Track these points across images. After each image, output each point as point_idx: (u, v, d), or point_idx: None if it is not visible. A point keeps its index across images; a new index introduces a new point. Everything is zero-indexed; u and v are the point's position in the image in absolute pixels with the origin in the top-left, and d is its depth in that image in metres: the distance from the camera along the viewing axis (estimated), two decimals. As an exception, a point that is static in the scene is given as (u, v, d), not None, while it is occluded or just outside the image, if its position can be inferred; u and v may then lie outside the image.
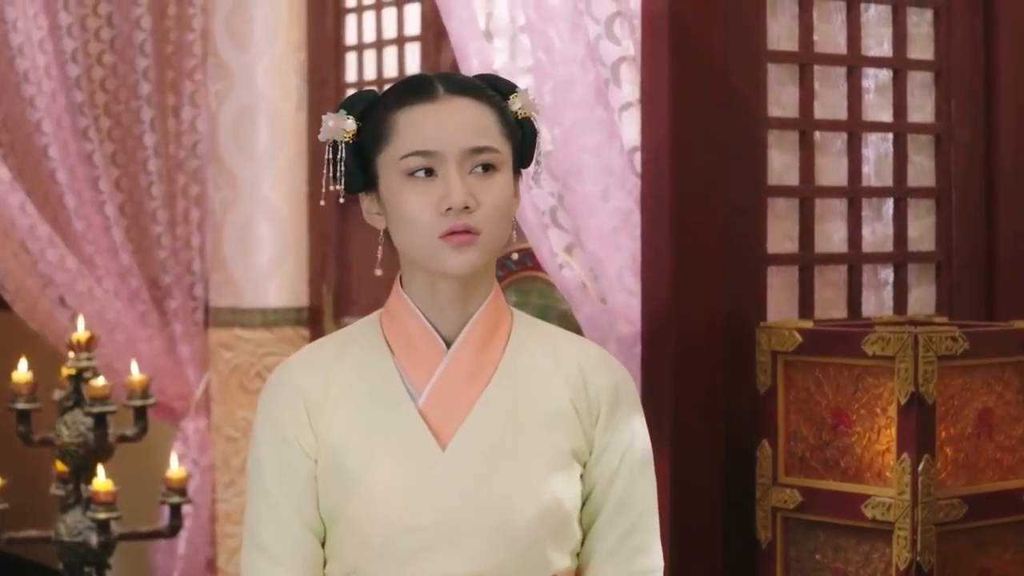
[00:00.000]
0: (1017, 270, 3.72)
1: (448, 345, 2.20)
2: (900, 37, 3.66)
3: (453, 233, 2.13)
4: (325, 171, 2.19)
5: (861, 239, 3.62)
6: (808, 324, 3.31)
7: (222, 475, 5.22)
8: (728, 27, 3.38)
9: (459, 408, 2.18)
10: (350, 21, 5.12)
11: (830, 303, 3.58)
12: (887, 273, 3.68)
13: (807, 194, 3.54)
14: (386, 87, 2.27)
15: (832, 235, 3.59)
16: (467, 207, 2.13)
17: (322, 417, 2.19)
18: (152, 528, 4.61)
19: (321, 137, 2.21)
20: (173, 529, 4.48)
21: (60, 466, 4.36)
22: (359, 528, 2.17)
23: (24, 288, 5.09)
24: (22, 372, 4.37)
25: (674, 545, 3.23)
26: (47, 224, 5.00)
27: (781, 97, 3.52)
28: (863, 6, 3.61)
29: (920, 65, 3.69)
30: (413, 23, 4.89)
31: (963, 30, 3.70)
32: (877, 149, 3.66)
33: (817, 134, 3.56)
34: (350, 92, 4.09)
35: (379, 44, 5.00)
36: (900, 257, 3.67)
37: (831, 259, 3.58)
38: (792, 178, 3.53)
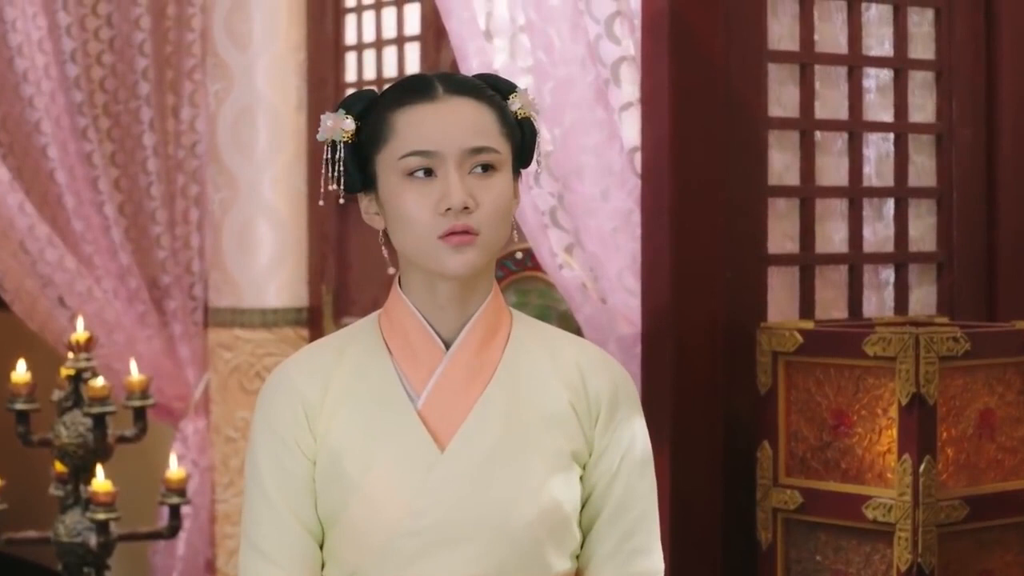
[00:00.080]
0: (1018, 270, 3.71)
1: (447, 346, 2.19)
2: (901, 37, 3.65)
3: (452, 233, 2.12)
4: (324, 171, 2.19)
5: (862, 239, 3.61)
6: (809, 325, 3.31)
7: (221, 476, 5.22)
8: (729, 27, 3.38)
9: (458, 409, 2.17)
10: (350, 21, 5.11)
11: (831, 303, 3.58)
12: (888, 273, 3.67)
13: (808, 194, 3.53)
14: (386, 87, 2.26)
15: (833, 235, 3.59)
16: (466, 207, 2.12)
17: (320, 419, 2.18)
18: (151, 529, 4.60)
19: (320, 137, 2.20)
20: (172, 530, 4.47)
21: (59, 467, 4.36)
22: (358, 530, 2.16)
23: (23, 288, 5.08)
24: (21, 372, 4.37)
25: (674, 546, 3.22)
26: (46, 224, 5.00)
27: (782, 97, 3.51)
28: (864, 5, 3.61)
29: (921, 65, 3.68)
30: (413, 23, 4.88)
31: (964, 30, 3.70)
32: (878, 149, 3.66)
33: (818, 134, 3.56)
34: (350, 92, 4.08)
35: (379, 44, 5.00)
36: (901, 257, 3.67)
37: (832, 259, 3.57)
38: (793, 178, 3.53)
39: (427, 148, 2.14)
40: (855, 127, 3.60)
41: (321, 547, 2.20)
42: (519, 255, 3.81)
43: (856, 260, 3.60)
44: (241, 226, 5.12)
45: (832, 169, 3.59)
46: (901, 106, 3.66)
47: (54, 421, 4.32)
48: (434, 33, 4.69)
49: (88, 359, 4.30)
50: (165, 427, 5.23)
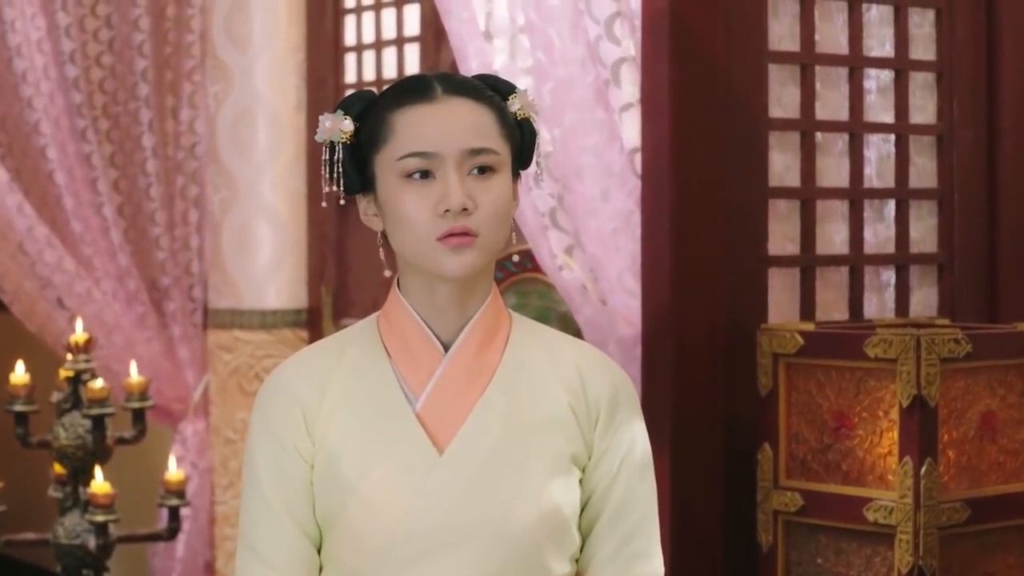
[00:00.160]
0: (1020, 271, 3.70)
1: (446, 348, 2.18)
2: (902, 38, 3.65)
3: (451, 235, 2.11)
4: (323, 172, 2.18)
5: (863, 241, 3.60)
6: (809, 326, 3.30)
7: (221, 477, 5.21)
8: (729, 27, 3.37)
9: (457, 412, 2.16)
10: (349, 22, 5.10)
11: (831, 305, 3.57)
12: (889, 275, 3.66)
13: (808, 195, 3.52)
14: (385, 88, 2.25)
15: (833, 236, 3.58)
16: (465, 209, 2.11)
17: (318, 421, 2.17)
18: (150, 531, 4.60)
19: (318, 138, 2.19)
20: (171, 532, 4.47)
21: (58, 468, 4.35)
22: (356, 533, 2.15)
23: (22, 290, 5.08)
24: (20, 374, 4.36)
25: (674, 549, 3.21)
26: (45, 225, 5.00)
27: (782, 98, 3.50)
28: (865, 6, 3.60)
29: (922, 66, 3.68)
30: (412, 24, 4.88)
31: (965, 31, 3.69)
32: (879, 150, 3.65)
33: (818, 135, 3.55)
34: (349, 93, 4.07)
35: (378, 45, 4.99)
36: (902, 259, 3.66)
37: (832, 261, 3.57)
38: (793, 179, 3.52)
39: (426, 149, 2.13)
40: (856, 128, 3.59)
41: (319, 550, 2.19)
42: (516, 257, 3.80)
43: (857, 261, 3.59)
44: (240, 227, 5.12)
45: (833, 170, 3.58)
46: (902, 107, 3.65)
47: (53, 423, 4.31)
48: (433, 34, 4.69)
49: (87, 360, 4.30)
50: (164, 429, 5.22)
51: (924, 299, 3.70)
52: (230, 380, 5.16)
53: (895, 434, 3.08)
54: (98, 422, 4.23)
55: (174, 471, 4.45)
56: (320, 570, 2.20)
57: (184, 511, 4.68)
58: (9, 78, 5.05)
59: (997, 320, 3.63)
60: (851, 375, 3.15)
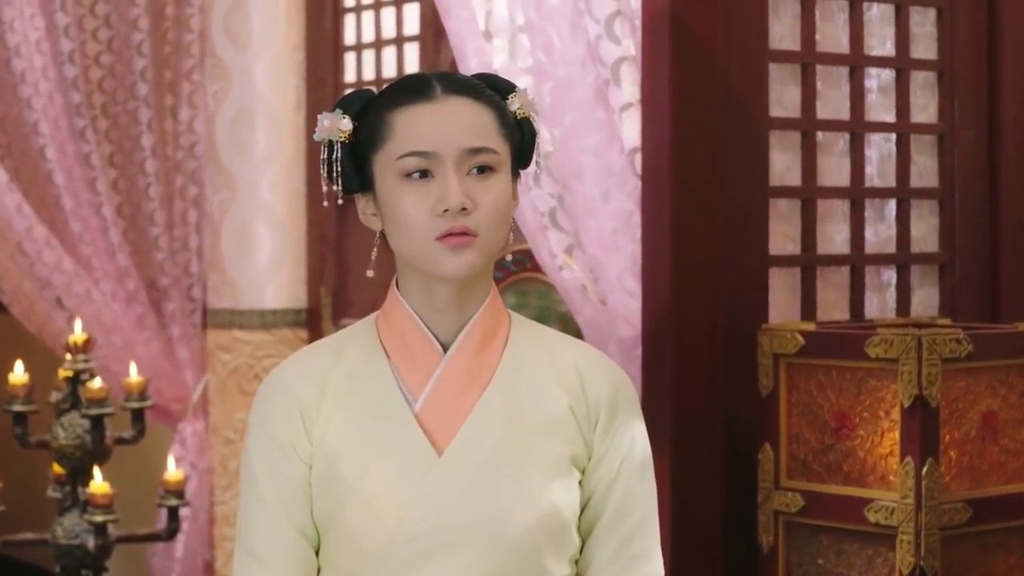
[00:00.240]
0: (1021, 271, 3.70)
1: (445, 349, 2.17)
2: (903, 37, 3.64)
3: (450, 235, 2.10)
4: (321, 171, 2.17)
5: (864, 240, 3.60)
6: (810, 326, 3.29)
7: (220, 478, 5.20)
8: (730, 26, 3.36)
9: (456, 413, 2.15)
10: (349, 21, 5.10)
11: (832, 305, 3.56)
12: (890, 275, 3.66)
13: (809, 195, 3.52)
14: (384, 87, 2.24)
15: (834, 236, 3.58)
16: (464, 209, 2.10)
17: (317, 422, 2.16)
18: (150, 531, 4.60)
19: (316, 137, 2.18)
20: (171, 532, 4.46)
21: (57, 468, 4.35)
22: (354, 535, 2.14)
23: (21, 290, 5.07)
24: (19, 374, 4.36)
25: (675, 550, 3.21)
26: (44, 226, 4.99)
27: (783, 97, 3.50)
28: (866, 5, 3.60)
29: (923, 65, 3.67)
30: (412, 23, 4.87)
31: (966, 30, 3.68)
32: (880, 149, 3.65)
33: (819, 134, 3.55)
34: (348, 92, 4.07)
35: (378, 44, 4.99)
36: (903, 258, 3.65)
37: (833, 260, 3.56)
38: (794, 179, 3.51)
39: (425, 149, 2.12)
40: (857, 127, 3.58)
41: (317, 552, 2.18)
42: (509, 257, 3.80)
43: (858, 261, 3.59)
44: (240, 227, 5.11)
45: (834, 170, 3.57)
46: (903, 106, 3.65)
47: (52, 423, 4.31)
48: (433, 33, 4.68)
49: (86, 360, 4.30)
50: (163, 429, 5.22)
51: (925, 299, 3.69)
52: (229, 380, 5.16)
53: (896, 434, 3.08)
54: (97, 422, 4.22)
55: (173, 471, 4.45)
56: (318, 572, 2.19)
57: (183, 511, 4.68)
58: (8, 78, 5.04)
59: (998, 320, 3.63)
60: (852, 375, 3.15)
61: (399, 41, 4.90)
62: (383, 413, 2.16)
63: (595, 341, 3.35)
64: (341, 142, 2.16)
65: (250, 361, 5.13)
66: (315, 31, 5.11)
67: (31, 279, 5.02)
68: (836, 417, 3.18)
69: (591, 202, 3.38)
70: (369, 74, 5.02)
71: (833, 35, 3.57)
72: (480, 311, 2.18)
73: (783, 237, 3.49)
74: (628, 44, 3.39)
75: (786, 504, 3.23)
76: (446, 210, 2.10)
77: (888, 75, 3.65)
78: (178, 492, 4.42)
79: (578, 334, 3.41)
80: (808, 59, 3.51)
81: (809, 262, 3.51)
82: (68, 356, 4.32)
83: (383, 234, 2.18)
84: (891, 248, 3.65)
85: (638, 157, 3.37)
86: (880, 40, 3.64)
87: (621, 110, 3.39)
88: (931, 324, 3.40)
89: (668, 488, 3.24)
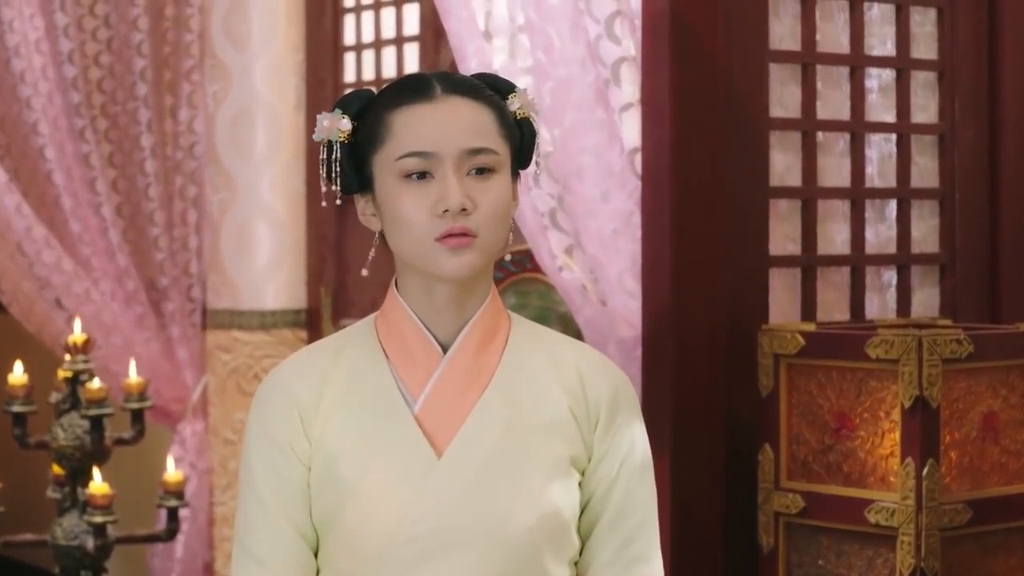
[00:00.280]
0: (1021, 271, 3.70)
1: (444, 349, 2.17)
2: (903, 37, 3.64)
3: (450, 236, 2.10)
4: (321, 171, 2.16)
5: (864, 241, 3.59)
6: (811, 327, 3.29)
7: (219, 478, 5.20)
8: (730, 27, 3.36)
9: (455, 414, 2.15)
10: (348, 21, 5.09)
11: (833, 305, 3.56)
12: (890, 275, 3.65)
13: (810, 195, 3.51)
14: (384, 87, 2.24)
15: (835, 237, 3.57)
16: (464, 209, 2.10)
17: (316, 423, 2.16)
18: (149, 532, 4.59)
19: (316, 137, 2.17)
20: (170, 533, 4.46)
21: (56, 469, 4.34)
22: (353, 536, 2.13)
23: (20, 290, 5.07)
24: (18, 374, 4.35)
25: (675, 551, 3.20)
26: (43, 226, 4.99)
27: (783, 97, 3.49)
28: (866, 5, 3.59)
29: (924, 65, 3.67)
30: (412, 23, 4.87)
31: (967, 30, 3.68)
32: (880, 150, 3.64)
33: (820, 135, 3.54)
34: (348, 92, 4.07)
35: (377, 44, 4.98)
36: (903, 259, 3.65)
37: (834, 261, 3.56)
38: (794, 179, 3.51)
39: (425, 149, 2.11)
40: (857, 128, 3.58)
41: (316, 553, 2.18)
42: (509, 257, 3.80)
43: (858, 262, 3.58)
44: (239, 227, 5.11)
45: (834, 170, 3.57)
46: (903, 106, 3.64)
47: (51, 423, 4.30)
48: (433, 33, 4.68)
49: (86, 361, 4.29)
50: (163, 429, 5.22)
51: (926, 299, 3.69)
52: (229, 380, 5.15)
53: (897, 435, 3.07)
54: (96, 423, 4.22)
55: (173, 472, 4.44)
56: (317, 573, 2.18)
57: (183, 512, 4.67)
58: (7, 78, 5.04)
59: (999, 320, 3.62)
60: (852, 376, 3.14)
61: (399, 41, 4.90)
62: (382, 414, 2.15)
63: (595, 342, 3.35)
64: (340, 142, 2.16)
65: (249, 361, 5.13)
66: (315, 31, 5.11)
67: (30, 279, 5.02)
68: (836, 418, 3.17)
69: (591, 202, 3.38)
70: (369, 74, 5.02)
71: (833, 35, 3.56)
72: (480, 312, 2.17)
73: (783, 237, 3.49)
74: (628, 44, 3.39)
75: (786, 505, 3.23)
76: (446, 211, 2.09)
77: (888, 75, 3.64)
78: (178, 493, 4.42)
79: (578, 335, 3.40)
80: (808, 59, 3.50)
81: (809, 262, 3.51)
82: (67, 356, 4.31)
83: (382, 234, 2.18)
84: (891, 248, 3.65)
85: (638, 157, 3.37)
86: (880, 40, 3.63)
87: (621, 110, 3.39)
88: (932, 325, 3.40)
89: (668, 488, 3.23)
